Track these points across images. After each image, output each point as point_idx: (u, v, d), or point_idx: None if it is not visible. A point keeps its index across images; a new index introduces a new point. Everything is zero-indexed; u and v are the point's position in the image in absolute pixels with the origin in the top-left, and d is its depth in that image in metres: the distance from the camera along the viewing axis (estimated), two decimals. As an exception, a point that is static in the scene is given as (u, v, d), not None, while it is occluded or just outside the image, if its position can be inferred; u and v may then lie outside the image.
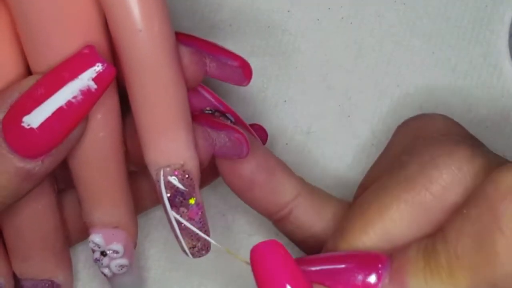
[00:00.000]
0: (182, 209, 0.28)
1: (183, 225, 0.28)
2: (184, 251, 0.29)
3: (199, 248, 0.28)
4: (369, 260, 0.25)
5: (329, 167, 0.35)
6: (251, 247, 0.35)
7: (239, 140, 0.30)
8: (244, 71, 0.31)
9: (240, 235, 0.35)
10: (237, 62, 0.31)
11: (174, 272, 0.35)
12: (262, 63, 0.36)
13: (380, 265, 0.25)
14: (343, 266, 0.26)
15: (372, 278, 0.25)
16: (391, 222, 0.26)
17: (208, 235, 0.29)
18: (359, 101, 0.36)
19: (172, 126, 0.27)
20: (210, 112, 0.32)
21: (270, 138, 0.35)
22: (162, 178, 0.27)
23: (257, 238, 0.35)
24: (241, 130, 0.30)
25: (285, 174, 0.31)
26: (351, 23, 0.36)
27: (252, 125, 0.33)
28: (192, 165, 0.28)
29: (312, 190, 0.31)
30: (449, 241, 0.24)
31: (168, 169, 0.27)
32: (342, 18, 0.36)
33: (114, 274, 0.30)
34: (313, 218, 0.30)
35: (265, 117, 0.35)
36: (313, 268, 0.26)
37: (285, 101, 0.36)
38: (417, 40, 0.36)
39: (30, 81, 0.26)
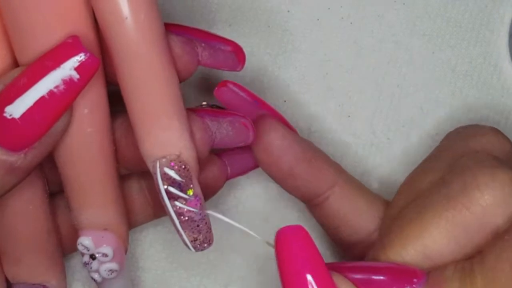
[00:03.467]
0: (180, 200, 0.27)
1: (183, 217, 0.27)
2: (186, 244, 0.28)
3: (201, 241, 0.28)
4: (405, 274, 0.26)
5: (329, 167, 0.35)
6: (251, 246, 0.35)
7: (245, 125, 0.30)
8: (237, 56, 0.31)
9: (240, 235, 0.35)
10: (230, 47, 0.30)
11: (174, 272, 0.35)
12: (262, 63, 0.36)
13: (415, 280, 0.26)
14: (378, 277, 0.26)
15: None
16: (431, 239, 0.26)
17: (210, 227, 0.28)
18: (359, 101, 0.36)
19: (164, 115, 0.27)
20: (207, 106, 0.32)
21: (270, 138, 0.35)
22: (158, 169, 0.27)
23: (257, 238, 0.35)
24: (244, 115, 0.30)
25: (324, 164, 0.31)
26: (351, 23, 0.36)
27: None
28: (189, 156, 0.27)
29: (349, 179, 0.32)
30: (487, 265, 0.24)
31: (164, 160, 0.27)
32: (342, 18, 0.36)
33: (103, 279, 0.30)
34: (347, 207, 0.31)
35: (265, 117, 0.35)
36: (350, 276, 0.26)
37: (285, 101, 0.36)
38: (417, 40, 0.36)
39: (15, 72, 0.26)
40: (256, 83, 0.35)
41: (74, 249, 0.32)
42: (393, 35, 0.36)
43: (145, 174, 0.31)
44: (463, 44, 0.36)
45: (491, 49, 0.36)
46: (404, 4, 0.36)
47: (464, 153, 0.28)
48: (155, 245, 0.35)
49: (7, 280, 0.31)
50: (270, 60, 0.36)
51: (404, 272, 0.26)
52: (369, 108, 0.36)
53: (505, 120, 0.35)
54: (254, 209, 0.35)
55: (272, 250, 0.35)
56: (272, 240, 0.27)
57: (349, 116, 0.36)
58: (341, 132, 0.35)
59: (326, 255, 0.35)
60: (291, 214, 0.35)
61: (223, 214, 0.35)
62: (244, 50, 0.35)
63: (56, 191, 0.31)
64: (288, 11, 0.36)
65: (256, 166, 0.33)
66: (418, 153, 0.35)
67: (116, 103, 0.28)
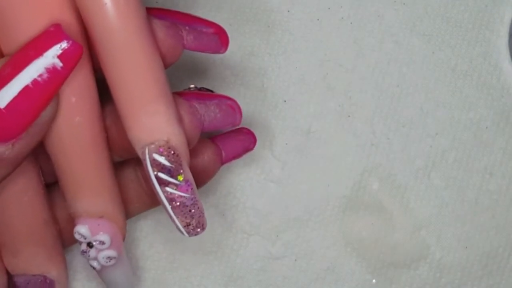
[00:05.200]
0: (171, 186, 0.27)
1: (174, 203, 0.27)
2: (179, 230, 0.28)
3: (194, 226, 0.28)
4: None
5: (329, 167, 0.35)
6: (251, 246, 0.35)
7: (232, 107, 0.30)
8: (220, 38, 0.31)
9: (240, 235, 0.35)
10: (213, 29, 0.30)
11: (174, 272, 0.35)
12: (262, 63, 0.36)
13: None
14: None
15: None
16: None
17: (202, 212, 0.28)
18: (359, 101, 0.36)
19: (150, 100, 0.27)
20: (195, 89, 0.32)
21: (270, 138, 0.35)
22: (147, 156, 0.27)
23: (257, 238, 0.35)
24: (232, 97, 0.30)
25: None
26: (351, 23, 0.36)
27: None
28: (177, 141, 0.27)
29: None
30: None
31: (152, 146, 0.27)
32: (342, 18, 0.36)
33: (102, 267, 0.30)
34: None
35: (265, 117, 0.35)
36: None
37: (285, 101, 0.36)
38: (417, 40, 0.36)
39: (0, 63, 0.26)
40: (256, 83, 0.35)
41: (74, 240, 0.32)
42: (393, 35, 0.36)
43: (141, 162, 0.31)
44: (463, 44, 0.36)
45: (491, 49, 0.36)
46: (404, 4, 0.36)
47: None
48: (155, 245, 0.35)
49: (7, 272, 0.31)
50: (270, 60, 0.36)
51: None
52: (369, 108, 0.36)
53: (505, 120, 0.35)
54: (254, 209, 0.35)
55: (273, 250, 0.35)
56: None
57: (349, 116, 0.36)
58: (341, 132, 0.35)
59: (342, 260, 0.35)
60: (291, 214, 0.35)
61: (224, 214, 0.35)
62: (244, 50, 0.35)
63: (53, 182, 0.31)
64: (288, 11, 0.36)
65: (251, 148, 0.33)
66: (418, 153, 0.35)
67: (105, 90, 0.28)
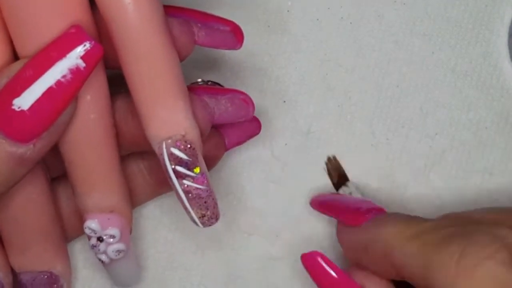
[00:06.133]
0: (188, 179, 0.28)
1: (190, 195, 0.28)
2: (194, 221, 0.29)
3: (209, 217, 0.29)
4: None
5: (329, 167, 0.35)
6: (251, 246, 0.35)
7: (245, 101, 0.31)
8: (236, 35, 0.31)
9: (240, 235, 0.35)
10: (229, 27, 0.31)
11: (174, 272, 0.35)
12: (262, 63, 0.36)
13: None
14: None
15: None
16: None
17: (216, 203, 0.29)
18: (359, 101, 0.36)
19: (170, 96, 0.27)
20: (202, 83, 0.32)
21: (270, 138, 0.35)
22: (165, 150, 0.27)
23: (257, 238, 0.35)
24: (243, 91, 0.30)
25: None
26: (351, 23, 0.36)
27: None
28: (193, 135, 0.28)
29: None
30: None
31: (169, 141, 0.27)
32: (342, 18, 0.36)
33: (111, 260, 0.30)
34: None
35: (265, 117, 0.35)
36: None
37: (285, 101, 0.36)
38: (417, 40, 0.36)
39: (18, 65, 0.26)
40: (256, 83, 0.35)
41: (74, 235, 0.32)
42: (393, 35, 0.36)
43: (143, 155, 0.32)
44: (463, 44, 0.36)
45: (491, 49, 0.36)
46: (404, 4, 0.36)
47: None
48: (156, 245, 0.35)
49: (13, 272, 0.31)
50: (270, 60, 0.36)
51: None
52: (369, 108, 0.36)
53: (504, 120, 0.35)
54: (254, 209, 0.35)
55: (272, 250, 0.35)
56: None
57: (349, 116, 0.36)
58: (341, 132, 0.35)
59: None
60: (291, 214, 0.35)
61: (223, 214, 0.35)
62: (244, 50, 0.35)
63: (54, 177, 0.32)
64: (288, 11, 0.36)
65: (253, 134, 0.34)
66: (418, 153, 0.35)
67: (112, 85, 0.29)
